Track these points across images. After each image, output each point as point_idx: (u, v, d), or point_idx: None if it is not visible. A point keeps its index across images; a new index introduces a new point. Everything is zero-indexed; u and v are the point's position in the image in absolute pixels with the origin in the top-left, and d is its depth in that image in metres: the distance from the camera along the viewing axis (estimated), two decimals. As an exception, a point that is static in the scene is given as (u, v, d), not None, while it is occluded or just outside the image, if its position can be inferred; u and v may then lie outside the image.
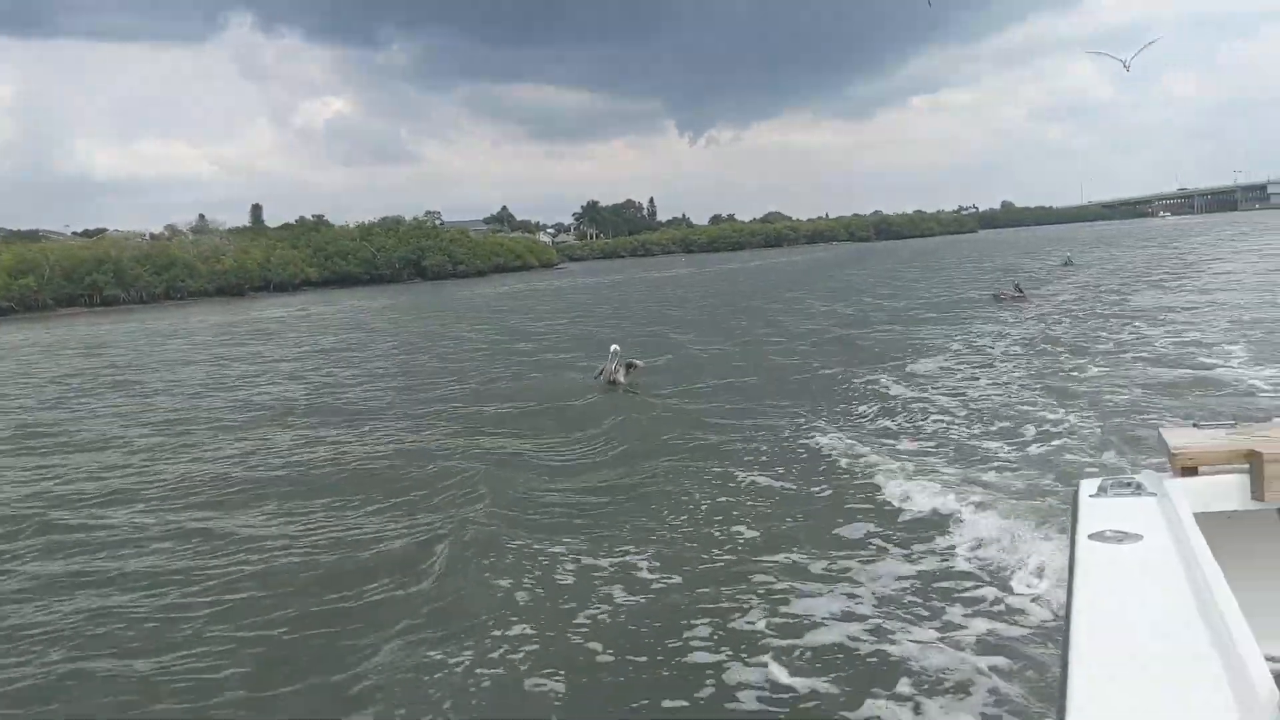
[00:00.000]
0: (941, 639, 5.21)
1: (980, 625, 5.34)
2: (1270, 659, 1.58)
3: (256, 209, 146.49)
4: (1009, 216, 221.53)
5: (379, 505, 9.11)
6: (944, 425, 10.93)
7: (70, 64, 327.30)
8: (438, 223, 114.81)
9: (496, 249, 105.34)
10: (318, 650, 5.68)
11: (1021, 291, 27.38)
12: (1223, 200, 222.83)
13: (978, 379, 14.03)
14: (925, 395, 12.89)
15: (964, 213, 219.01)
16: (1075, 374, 13.49)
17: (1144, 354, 14.91)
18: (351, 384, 18.85)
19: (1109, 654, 1.57)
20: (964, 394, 12.81)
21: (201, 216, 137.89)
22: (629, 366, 14.04)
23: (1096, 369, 13.76)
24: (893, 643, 5.23)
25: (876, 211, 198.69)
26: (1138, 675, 1.49)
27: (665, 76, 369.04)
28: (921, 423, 11.20)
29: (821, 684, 4.86)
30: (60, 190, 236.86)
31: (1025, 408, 11.44)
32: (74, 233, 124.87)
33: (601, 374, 13.99)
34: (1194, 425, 2.79)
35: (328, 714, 4.99)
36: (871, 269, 58.16)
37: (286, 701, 5.15)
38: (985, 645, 5.08)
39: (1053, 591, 5.58)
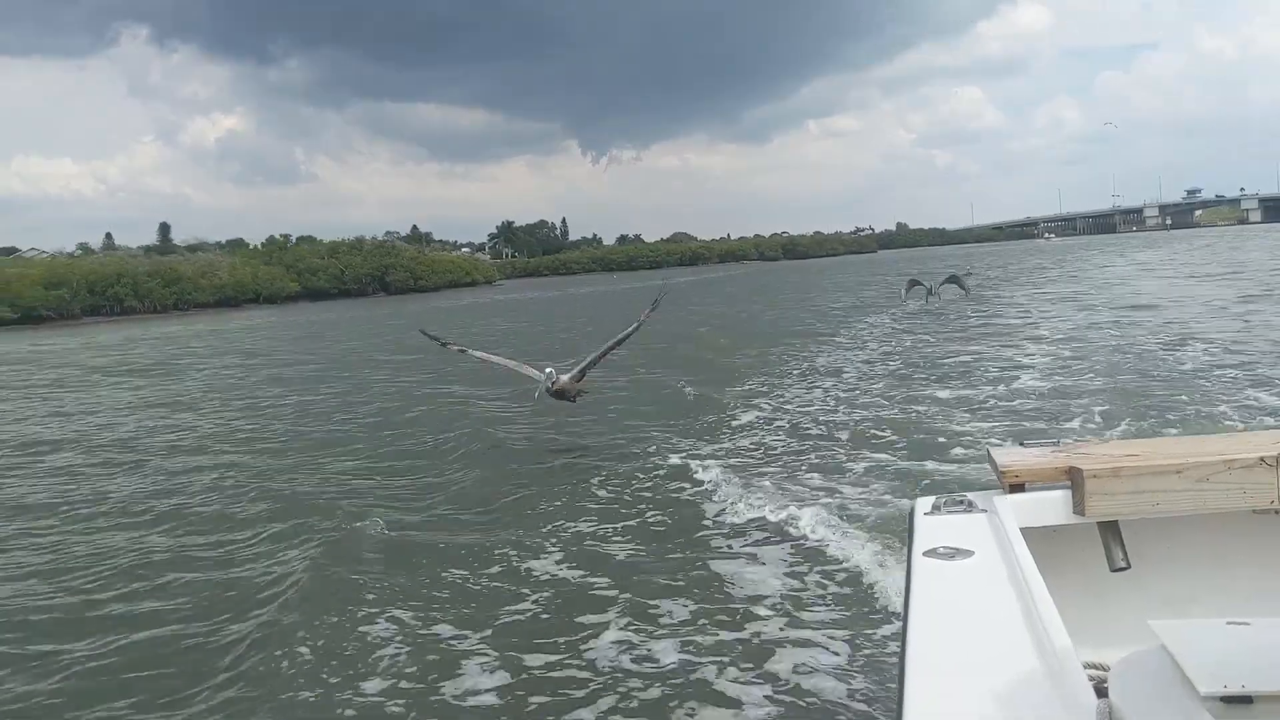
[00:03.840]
0: (779, 653, 5.48)
1: (820, 639, 5.61)
2: (1089, 666, 1.86)
3: (165, 227, 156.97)
4: (905, 238, 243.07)
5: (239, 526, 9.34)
6: (790, 443, 11.45)
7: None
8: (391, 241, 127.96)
9: (450, 267, 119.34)
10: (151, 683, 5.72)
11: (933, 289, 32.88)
12: (1102, 223, 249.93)
13: (829, 395, 14.95)
14: (776, 412, 13.69)
15: (861, 233, 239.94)
16: (918, 393, 14.33)
17: (985, 375, 15.76)
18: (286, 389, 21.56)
19: (942, 665, 1.73)
20: (813, 410, 13.61)
21: (108, 235, 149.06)
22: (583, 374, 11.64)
23: (942, 386, 14.76)
24: (728, 658, 5.48)
25: (784, 232, 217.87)
26: (969, 684, 1.64)
27: (564, 97, 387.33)
28: (769, 440, 11.71)
29: (655, 705, 5.09)
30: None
31: (868, 425, 12.04)
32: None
33: (546, 387, 11.40)
34: (1020, 444, 3.04)
35: None
36: (808, 284, 68.59)
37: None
38: (824, 658, 5.37)
39: (891, 606, 5.81)
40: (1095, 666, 2.08)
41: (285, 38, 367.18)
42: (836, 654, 5.44)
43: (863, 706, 4.85)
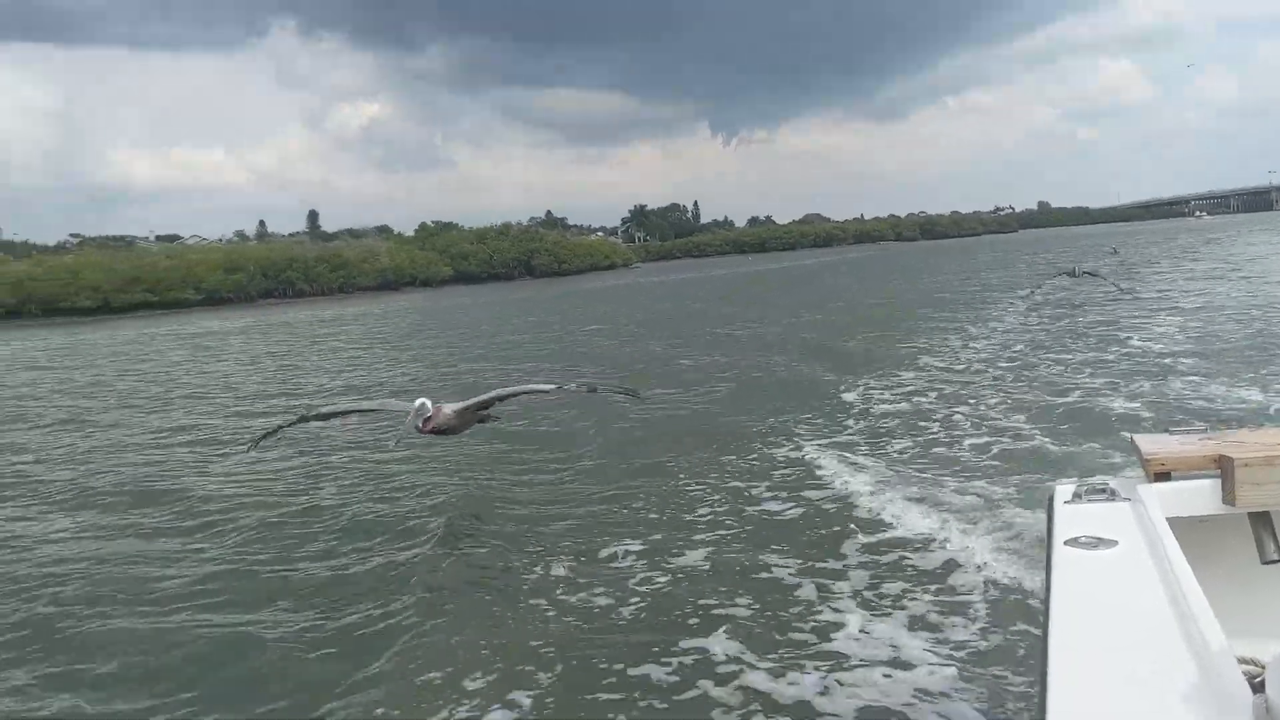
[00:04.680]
0: (920, 646, 5.48)
1: (959, 632, 5.60)
2: (1242, 660, 1.78)
3: (313, 215, 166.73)
4: (1047, 217, 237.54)
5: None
6: (922, 430, 11.38)
7: (111, 73, 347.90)
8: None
9: (590, 251, 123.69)
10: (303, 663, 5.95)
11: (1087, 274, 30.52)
12: (1258, 200, 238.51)
13: (963, 378, 14.88)
14: (908, 401, 13.41)
15: (1001, 213, 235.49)
16: (1058, 377, 14.14)
17: (1127, 359, 15.45)
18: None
19: (1087, 657, 1.69)
20: (945, 397, 13.42)
21: (262, 222, 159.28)
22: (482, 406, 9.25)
23: (1079, 372, 14.38)
24: (870, 652, 5.48)
25: (921, 212, 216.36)
26: (1115, 678, 1.62)
27: (695, 79, 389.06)
28: (899, 428, 11.62)
29: (798, 694, 5.11)
30: (97, 198, 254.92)
31: (1002, 411, 11.94)
32: (156, 237, 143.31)
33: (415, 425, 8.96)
34: (1166, 431, 3.01)
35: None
36: (944, 265, 66.13)
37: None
38: (964, 651, 5.35)
39: (1030, 597, 5.75)
40: (1249, 662, 2.05)
41: (427, 25, 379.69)
42: (972, 643, 5.46)
43: (1003, 698, 4.88)
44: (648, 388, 15.78)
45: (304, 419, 10.11)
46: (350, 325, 45.63)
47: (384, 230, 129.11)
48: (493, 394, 8.87)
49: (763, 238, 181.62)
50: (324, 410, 10.55)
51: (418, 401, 8.72)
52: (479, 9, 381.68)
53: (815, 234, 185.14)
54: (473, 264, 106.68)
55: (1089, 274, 30.45)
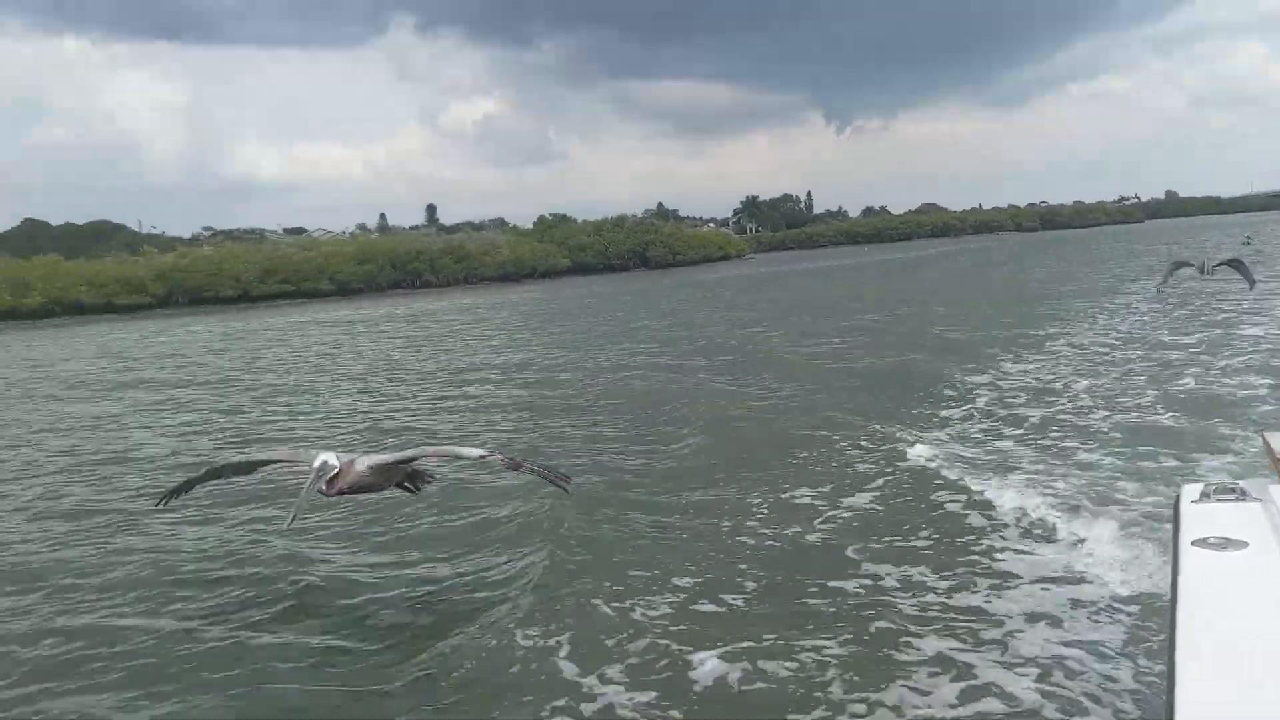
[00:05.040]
0: (1045, 645, 5.50)
1: (1084, 633, 5.59)
2: None
3: (431, 208, 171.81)
4: (1175, 207, 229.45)
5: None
6: (1043, 425, 11.36)
7: (239, 71, 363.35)
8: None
9: (704, 242, 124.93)
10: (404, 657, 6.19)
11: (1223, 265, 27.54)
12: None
13: (1083, 375, 14.69)
14: (1027, 394, 13.40)
15: (1126, 203, 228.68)
16: (1183, 372, 14.00)
17: (1257, 353, 15.22)
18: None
19: (1216, 661, 1.66)
20: (1067, 391, 13.38)
21: (383, 215, 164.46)
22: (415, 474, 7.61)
23: (1205, 368, 14.19)
24: (997, 649, 5.53)
25: (1042, 202, 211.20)
26: (1244, 683, 1.58)
27: (807, 68, 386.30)
28: (1021, 423, 11.57)
29: (922, 691, 5.19)
30: (225, 192, 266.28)
31: (1127, 407, 11.82)
32: (284, 230, 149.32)
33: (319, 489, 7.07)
34: None
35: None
36: (1067, 255, 68.56)
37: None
38: (1089, 653, 5.34)
39: (1156, 598, 5.74)
40: None
41: (541, 20, 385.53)
42: (1095, 642, 5.39)
43: (1127, 698, 4.81)
44: (759, 375, 17.29)
45: (215, 473, 8.03)
46: (489, 313, 47.96)
47: (499, 223, 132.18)
48: (416, 451, 7.57)
49: (878, 228, 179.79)
50: (235, 461, 8.27)
51: (318, 460, 6.84)
52: (592, 3, 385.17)
53: (932, 224, 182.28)
54: (589, 255, 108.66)
55: (1230, 265, 26.65)
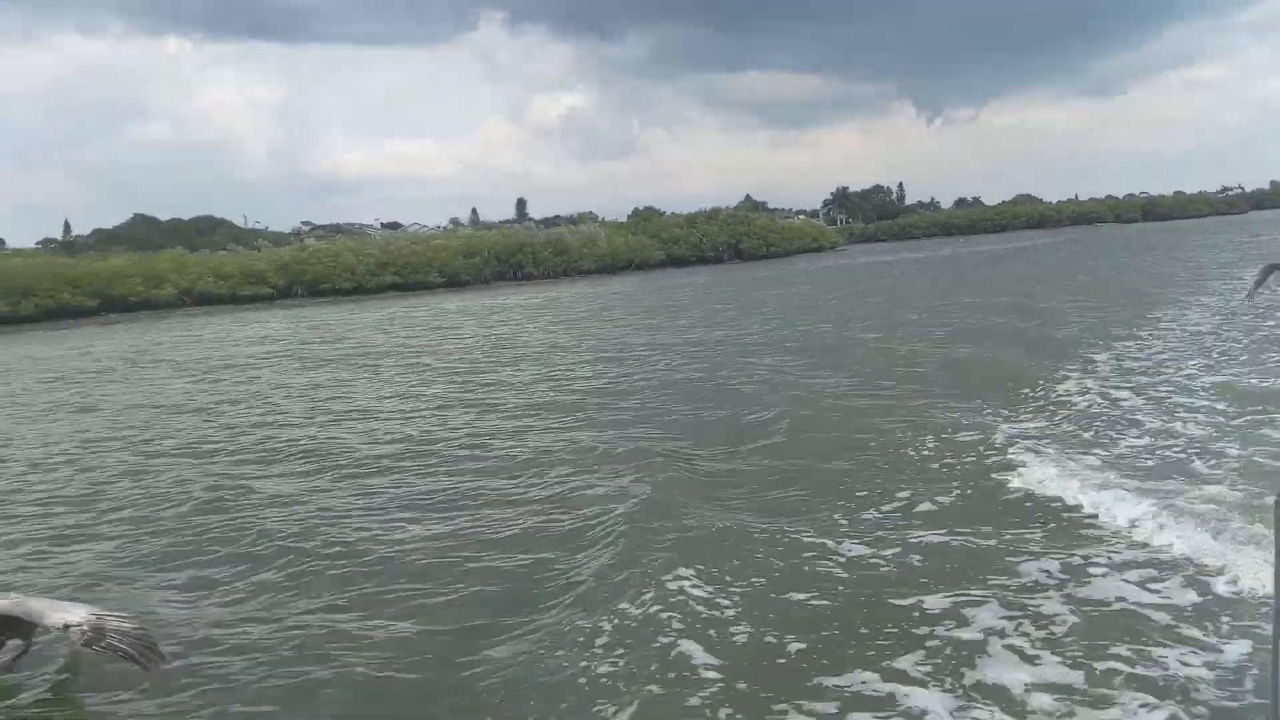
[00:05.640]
0: (1145, 652, 5.56)
1: (1185, 639, 5.65)
2: None
3: (521, 203, 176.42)
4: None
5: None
6: (1137, 428, 11.33)
7: (330, 69, 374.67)
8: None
9: (798, 233, 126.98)
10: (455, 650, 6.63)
11: None
12: None
13: (1179, 375, 14.62)
14: (1118, 394, 13.33)
15: (1230, 193, 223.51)
16: (1276, 374, 13.72)
17: None
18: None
19: None
20: (1159, 393, 13.23)
21: (474, 210, 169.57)
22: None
23: None
24: (1093, 657, 5.59)
25: (1142, 193, 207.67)
26: None
27: (895, 57, 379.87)
28: (1113, 426, 11.55)
29: (1021, 697, 5.25)
30: (319, 187, 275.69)
31: (1223, 410, 11.72)
32: (381, 224, 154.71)
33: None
34: None
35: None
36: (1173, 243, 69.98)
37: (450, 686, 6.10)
38: (1191, 660, 5.37)
39: (1257, 604, 5.77)
40: None
41: (625, 14, 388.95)
42: (1197, 649, 5.38)
43: (1230, 705, 4.82)
44: (856, 371, 17.54)
45: None
46: (611, 300, 50.69)
47: (588, 216, 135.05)
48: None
49: (972, 219, 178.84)
50: None
51: (62, 618, 6.03)
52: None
53: (1028, 215, 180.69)
54: (682, 247, 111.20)
55: None
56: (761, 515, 8.99)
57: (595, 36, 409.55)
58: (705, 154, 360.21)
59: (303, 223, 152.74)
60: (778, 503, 9.51)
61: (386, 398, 19.49)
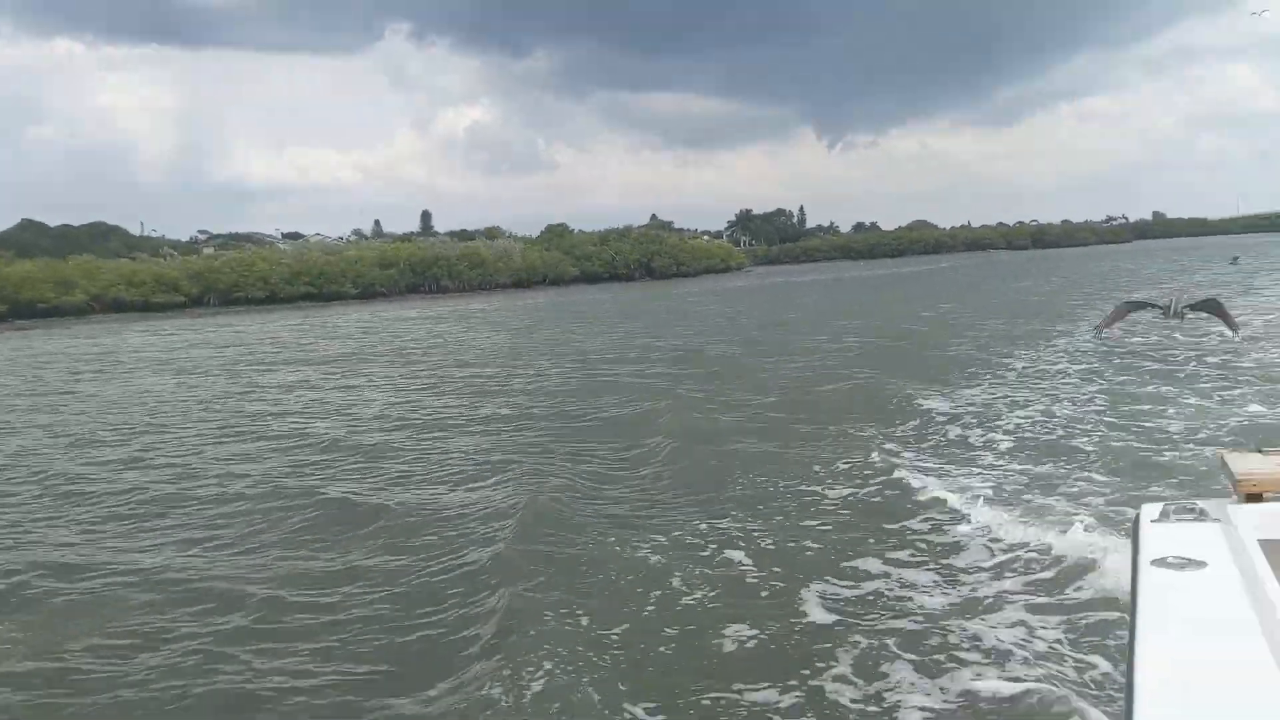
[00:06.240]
0: (1004, 662, 5.60)
1: (1042, 649, 5.69)
2: None
3: (426, 215, 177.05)
4: (1161, 228, 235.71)
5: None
6: (1006, 445, 11.51)
7: (232, 75, 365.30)
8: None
9: (707, 254, 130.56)
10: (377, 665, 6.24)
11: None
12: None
13: (1045, 397, 14.64)
14: (988, 412, 13.49)
15: (1114, 223, 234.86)
16: (1143, 394, 13.99)
17: (1215, 374, 15.35)
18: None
19: (1175, 680, 1.69)
20: (1023, 411, 13.39)
21: (377, 222, 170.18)
22: None
23: (1166, 389, 14.20)
24: (953, 665, 5.60)
25: (1032, 221, 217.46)
26: (1205, 703, 1.61)
27: (800, 83, 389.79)
28: (983, 443, 11.71)
29: (878, 707, 5.25)
30: (218, 195, 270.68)
31: (1090, 428, 11.93)
32: (283, 234, 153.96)
33: None
34: (1258, 451, 2.96)
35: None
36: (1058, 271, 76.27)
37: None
38: (1048, 670, 5.41)
39: (1116, 617, 5.83)
40: None
41: (534, 29, 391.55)
42: (1056, 662, 5.43)
43: (1090, 711, 4.90)
44: (743, 387, 17.56)
45: None
46: (531, 314, 52.56)
47: (495, 231, 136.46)
48: None
49: (870, 243, 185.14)
50: None
51: None
52: (585, 13, 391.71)
53: (924, 241, 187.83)
54: (596, 264, 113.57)
55: (1204, 308, 22.10)
56: (640, 533, 8.82)
57: (503, 51, 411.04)
58: (612, 172, 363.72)
59: (200, 231, 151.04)
60: (654, 520, 9.32)
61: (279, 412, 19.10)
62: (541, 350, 29.47)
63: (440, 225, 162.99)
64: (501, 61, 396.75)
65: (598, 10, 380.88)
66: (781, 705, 5.50)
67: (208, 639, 6.96)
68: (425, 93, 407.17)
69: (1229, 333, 20.80)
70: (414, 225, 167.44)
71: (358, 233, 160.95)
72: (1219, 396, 13.70)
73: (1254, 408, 12.75)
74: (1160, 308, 23.74)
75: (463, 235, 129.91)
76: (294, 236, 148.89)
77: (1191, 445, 10.74)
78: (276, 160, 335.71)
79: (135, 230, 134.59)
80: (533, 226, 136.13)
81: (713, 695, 5.63)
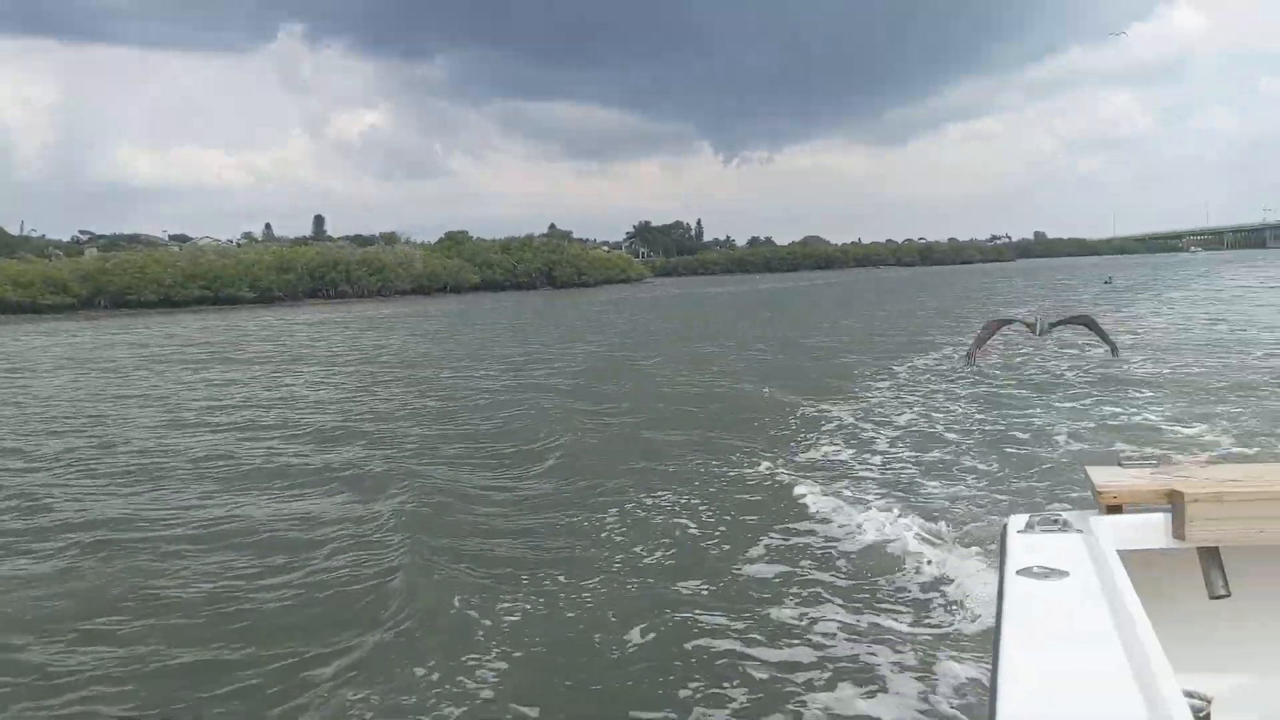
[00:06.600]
0: (869, 671, 5.58)
1: (910, 657, 5.69)
2: (1188, 694, 1.82)
3: (319, 219, 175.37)
4: (1043, 247, 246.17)
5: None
6: (886, 456, 11.58)
7: (116, 71, 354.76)
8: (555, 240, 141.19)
9: (608, 264, 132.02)
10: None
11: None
12: (1251, 238, 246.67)
13: (924, 409, 14.90)
14: (869, 424, 13.64)
15: (998, 242, 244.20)
16: (1016, 408, 14.40)
17: (1084, 389, 15.80)
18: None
19: (1036, 687, 1.75)
20: (901, 424, 13.58)
21: (268, 225, 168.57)
22: None
23: (1038, 402, 14.71)
24: (817, 674, 5.58)
25: (921, 238, 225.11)
26: (1064, 709, 1.68)
27: (699, 99, 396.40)
28: (863, 453, 11.75)
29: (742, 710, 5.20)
30: (101, 195, 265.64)
31: (964, 441, 12.16)
32: (170, 236, 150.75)
33: None
34: (1119, 464, 3.06)
35: None
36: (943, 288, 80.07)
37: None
38: (915, 676, 5.45)
39: (982, 625, 5.86)
40: (1195, 696, 2.17)
41: (435, 35, 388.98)
42: (923, 672, 5.51)
43: None
44: (637, 395, 17.58)
45: None
46: (447, 320, 53.10)
47: (390, 237, 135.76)
48: None
49: (766, 258, 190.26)
50: None
51: None
52: (483, 20, 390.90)
53: (816, 256, 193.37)
54: (497, 272, 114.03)
55: (1078, 323, 22.07)
56: (531, 542, 8.68)
57: (400, 56, 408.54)
58: (511, 180, 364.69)
59: (81, 231, 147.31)
60: (543, 529, 9.18)
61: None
62: (454, 360, 28.64)
63: (334, 230, 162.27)
64: (398, 66, 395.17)
65: (497, 19, 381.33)
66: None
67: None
68: (319, 95, 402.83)
69: (1103, 349, 20.54)
70: (306, 229, 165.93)
71: (248, 236, 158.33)
72: (1087, 410, 13.96)
73: (1118, 421, 13.00)
74: (1028, 325, 22.52)
75: (359, 240, 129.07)
76: (182, 239, 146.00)
77: (1061, 458, 10.82)
78: (162, 160, 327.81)
79: (14, 230, 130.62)
80: (429, 233, 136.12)
81: (594, 698, 5.56)
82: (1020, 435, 12.33)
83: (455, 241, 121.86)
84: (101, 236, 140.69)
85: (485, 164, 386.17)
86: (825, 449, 12.18)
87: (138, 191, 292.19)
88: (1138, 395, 15.00)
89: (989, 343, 22.07)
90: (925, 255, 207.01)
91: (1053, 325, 21.99)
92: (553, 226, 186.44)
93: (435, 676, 5.69)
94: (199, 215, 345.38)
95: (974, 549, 7.35)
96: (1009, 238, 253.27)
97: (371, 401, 19.19)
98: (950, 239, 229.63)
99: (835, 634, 6.14)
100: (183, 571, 8.03)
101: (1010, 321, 23.87)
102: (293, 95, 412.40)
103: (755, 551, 7.99)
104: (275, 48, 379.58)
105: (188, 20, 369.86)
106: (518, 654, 6.04)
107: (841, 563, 7.60)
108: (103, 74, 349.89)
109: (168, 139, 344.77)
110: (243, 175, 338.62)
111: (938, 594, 6.74)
